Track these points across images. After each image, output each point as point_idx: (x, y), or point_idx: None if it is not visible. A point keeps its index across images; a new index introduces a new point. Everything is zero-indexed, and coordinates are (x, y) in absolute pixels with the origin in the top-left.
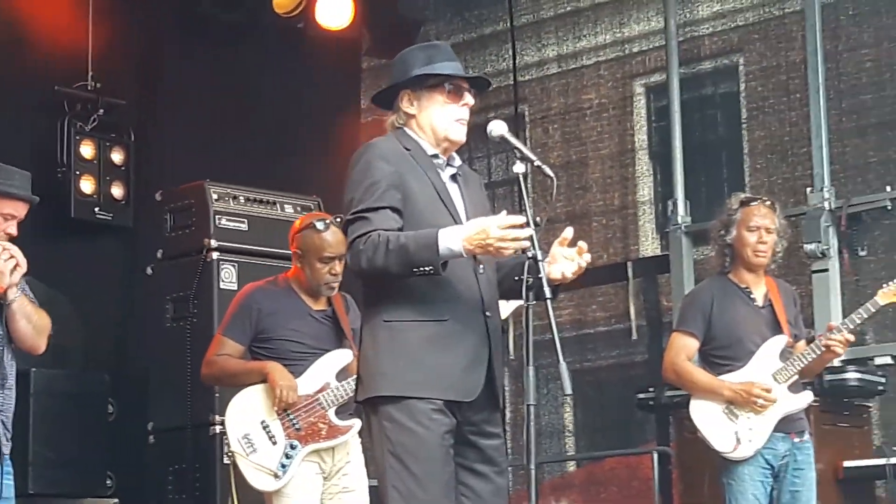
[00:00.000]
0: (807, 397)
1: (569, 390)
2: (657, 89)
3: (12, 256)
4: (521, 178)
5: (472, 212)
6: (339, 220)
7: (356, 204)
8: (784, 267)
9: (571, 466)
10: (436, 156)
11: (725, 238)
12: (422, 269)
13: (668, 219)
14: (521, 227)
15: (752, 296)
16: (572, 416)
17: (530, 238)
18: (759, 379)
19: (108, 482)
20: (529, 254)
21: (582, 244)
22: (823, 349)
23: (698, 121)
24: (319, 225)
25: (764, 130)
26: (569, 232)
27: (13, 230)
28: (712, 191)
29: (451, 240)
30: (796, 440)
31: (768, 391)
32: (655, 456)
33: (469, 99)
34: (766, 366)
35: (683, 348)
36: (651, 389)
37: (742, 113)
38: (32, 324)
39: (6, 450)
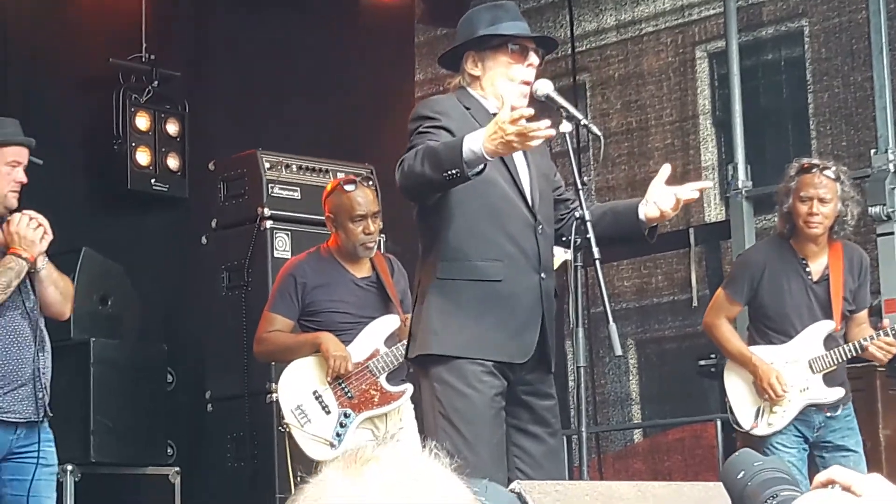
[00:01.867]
0: (838, 393)
1: (619, 351)
2: (718, 55)
3: (40, 225)
4: (568, 137)
5: (536, 173)
6: (369, 180)
7: (409, 142)
8: (850, 232)
9: (637, 436)
10: (497, 114)
11: (783, 207)
12: (450, 172)
13: (729, 184)
14: (532, 117)
15: (807, 268)
16: (637, 386)
17: (578, 198)
18: (793, 363)
19: (168, 450)
20: (577, 214)
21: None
22: (865, 349)
23: (763, 86)
24: (348, 186)
25: (829, 94)
26: (666, 169)
27: (23, 177)
28: (777, 156)
29: (474, 142)
30: (828, 414)
31: (782, 390)
32: (719, 423)
33: (534, 59)
34: (805, 350)
35: (723, 309)
36: (712, 356)
37: (807, 77)
38: (60, 290)
39: (48, 413)
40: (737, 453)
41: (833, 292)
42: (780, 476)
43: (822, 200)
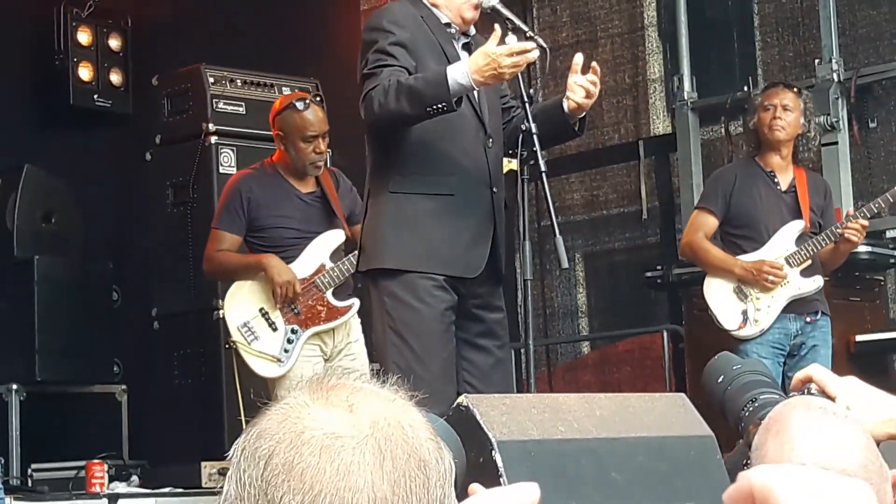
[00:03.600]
0: (817, 281)
1: (565, 264)
2: None
3: None
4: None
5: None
6: (318, 98)
7: (370, 64)
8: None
9: (585, 348)
10: (449, 25)
11: (749, 125)
12: (435, 106)
13: (674, 95)
14: (529, 50)
15: (775, 179)
16: (585, 298)
17: (525, 111)
18: (772, 259)
19: (115, 369)
20: (523, 126)
21: (594, 65)
22: (839, 236)
23: None
24: (299, 104)
25: (774, 4)
26: (578, 58)
27: None
28: (722, 67)
29: (459, 74)
30: (808, 320)
31: (779, 268)
32: (665, 334)
33: None
34: (780, 249)
35: (702, 226)
36: (659, 268)
37: None
38: None
39: None
40: (715, 357)
41: (801, 200)
42: (760, 379)
43: (784, 108)
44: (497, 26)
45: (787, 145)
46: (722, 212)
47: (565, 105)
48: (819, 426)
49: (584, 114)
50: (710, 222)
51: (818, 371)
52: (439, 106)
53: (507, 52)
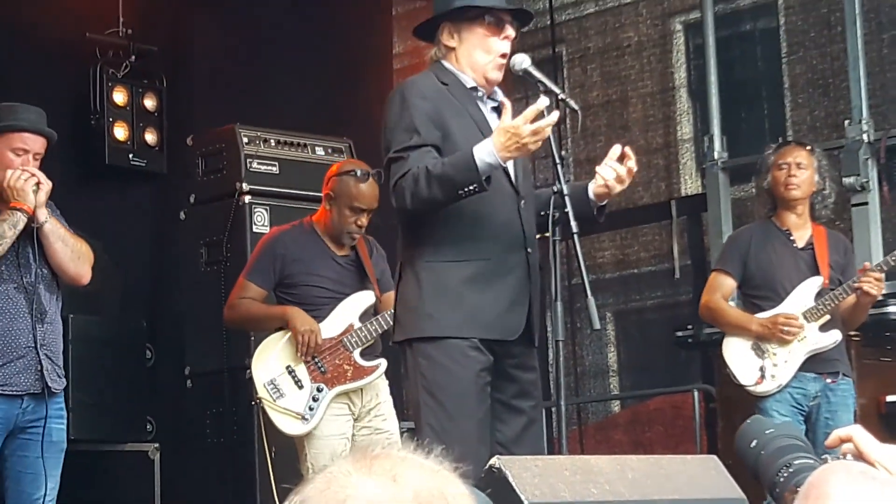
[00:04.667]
0: (835, 335)
1: (596, 325)
2: (695, 26)
3: (33, 175)
4: (546, 112)
5: None
6: (378, 174)
7: (395, 144)
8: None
9: (616, 407)
10: (475, 88)
11: (762, 185)
12: (466, 189)
13: (705, 156)
14: (546, 111)
15: (791, 237)
16: (616, 357)
17: (556, 172)
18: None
19: (147, 427)
20: (555, 188)
21: (628, 152)
22: (857, 289)
23: (738, 57)
24: (360, 173)
25: (804, 65)
26: (616, 150)
27: (29, 165)
28: (753, 127)
29: (486, 153)
30: (829, 381)
31: (795, 319)
32: (696, 394)
33: (510, 31)
34: (799, 305)
35: (719, 287)
36: (690, 327)
37: (782, 48)
38: (70, 247)
39: (57, 386)
40: (748, 421)
41: (819, 256)
42: (794, 443)
43: (798, 166)
44: (507, 101)
45: (802, 203)
46: (739, 273)
47: (591, 189)
48: (861, 492)
49: (606, 202)
50: (728, 283)
51: (859, 433)
52: (471, 188)
53: (523, 122)
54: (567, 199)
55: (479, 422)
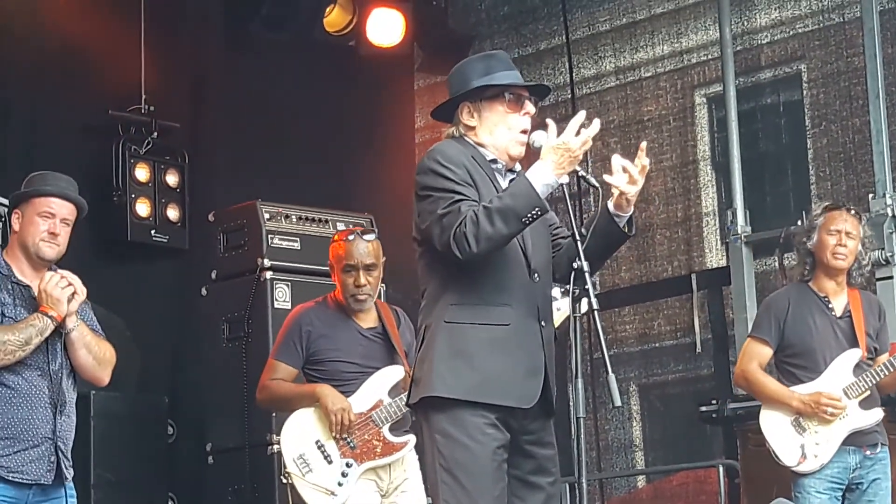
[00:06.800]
0: (877, 414)
1: (617, 402)
2: (717, 99)
3: (70, 284)
4: (565, 188)
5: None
6: (370, 233)
7: (442, 204)
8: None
9: (641, 482)
10: (495, 161)
11: (807, 244)
12: (530, 216)
13: (728, 229)
14: (588, 123)
15: (829, 305)
16: (640, 432)
17: (577, 249)
18: (829, 391)
19: (169, 503)
20: (575, 265)
21: (642, 145)
22: (893, 368)
23: (761, 130)
24: (349, 236)
25: (828, 138)
26: (616, 160)
27: (57, 229)
28: (776, 201)
29: (543, 176)
30: (868, 453)
31: (837, 400)
32: (721, 469)
33: (530, 107)
34: (838, 379)
35: (756, 355)
36: (714, 402)
37: (805, 121)
38: (93, 354)
39: (68, 475)
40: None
41: (857, 325)
42: None
43: (848, 234)
44: (550, 121)
45: (845, 272)
46: (776, 341)
47: (610, 206)
48: None
49: (631, 212)
50: (765, 352)
51: None
52: (535, 213)
53: (571, 137)
54: (587, 276)
55: (497, 499)
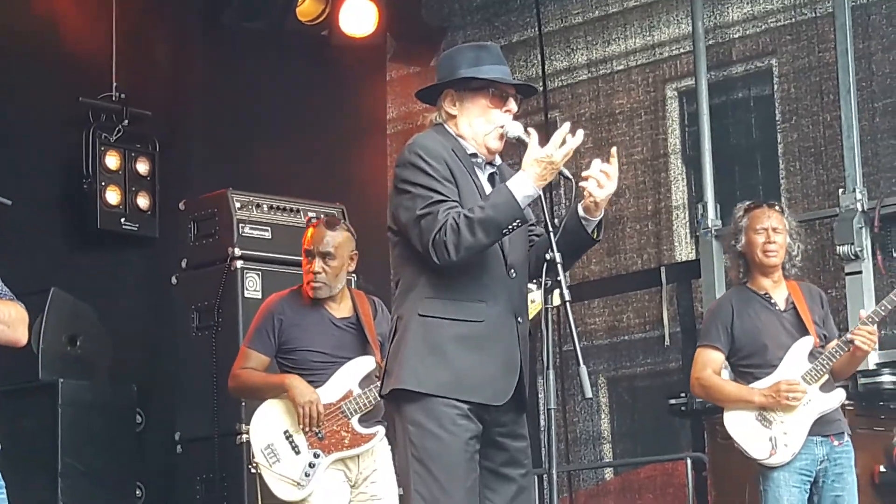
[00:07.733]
0: (839, 395)
1: (588, 394)
2: (689, 93)
3: None
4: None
5: None
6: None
7: (419, 203)
8: (819, 271)
9: (608, 474)
10: (475, 155)
11: (736, 247)
12: (510, 227)
13: (698, 223)
14: (572, 133)
15: (772, 301)
16: (608, 424)
17: (549, 241)
18: (788, 378)
19: (137, 492)
20: (547, 256)
21: (613, 151)
22: (851, 343)
23: (732, 124)
24: (318, 224)
25: (798, 133)
26: (595, 165)
27: None
28: (746, 195)
29: (525, 188)
30: (836, 444)
31: (797, 384)
32: (689, 462)
33: (512, 105)
34: (795, 368)
35: (709, 362)
36: (683, 395)
37: (776, 116)
38: (5, 323)
39: None
40: None
41: (803, 316)
42: None
43: (775, 230)
44: (532, 130)
45: (778, 267)
46: (726, 346)
47: (580, 210)
48: None
49: (600, 217)
50: (716, 358)
51: None
52: (515, 224)
53: (554, 150)
54: (560, 267)
55: (469, 490)
